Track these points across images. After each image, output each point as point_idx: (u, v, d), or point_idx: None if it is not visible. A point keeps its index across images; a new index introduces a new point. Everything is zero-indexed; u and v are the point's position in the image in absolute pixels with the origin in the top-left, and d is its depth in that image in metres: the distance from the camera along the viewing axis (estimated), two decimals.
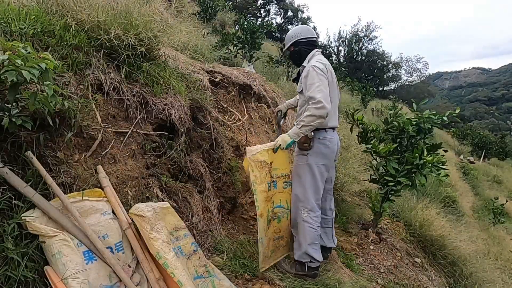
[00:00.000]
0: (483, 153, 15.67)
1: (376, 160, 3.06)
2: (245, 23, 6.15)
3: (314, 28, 28.97)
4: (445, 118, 2.77)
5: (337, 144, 2.33)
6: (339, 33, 29.67)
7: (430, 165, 2.68)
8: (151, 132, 2.19)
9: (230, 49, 6.02)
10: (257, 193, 2.13)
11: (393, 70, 29.28)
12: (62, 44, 1.87)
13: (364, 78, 26.05)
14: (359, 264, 2.60)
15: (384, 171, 2.95)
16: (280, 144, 2.20)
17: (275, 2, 27.20)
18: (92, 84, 1.93)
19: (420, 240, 3.44)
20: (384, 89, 28.75)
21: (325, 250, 2.40)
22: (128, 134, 2.02)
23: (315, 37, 2.35)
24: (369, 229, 3.15)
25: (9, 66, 1.24)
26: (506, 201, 8.06)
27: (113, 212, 1.69)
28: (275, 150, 2.24)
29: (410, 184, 2.79)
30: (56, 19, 1.98)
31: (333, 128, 2.29)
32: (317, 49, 2.31)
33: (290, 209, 2.34)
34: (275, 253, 2.26)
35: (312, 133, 2.20)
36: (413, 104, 3.10)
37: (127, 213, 1.71)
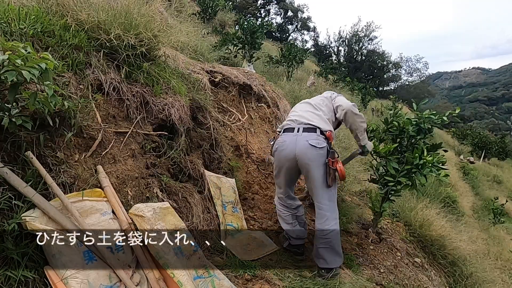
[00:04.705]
0: (483, 153, 15.63)
1: (376, 160, 3.06)
2: (245, 23, 6.14)
3: (314, 28, 29.04)
4: (445, 118, 2.77)
5: (287, 147, 2.28)
6: (339, 33, 29.66)
7: (430, 165, 2.67)
8: (151, 132, 2.19)
9: (230, 49, 6.02)
10: (217, 205, 2.49)
11: (393, 70, 29.35)
12: (62, 44, 1.87)
13: (364, 78, 26.05)
14: (359, 264, 2.60)
15: (384, 171, 2.95)
16: None
17: (275, 2, 27.21)
18: (92, 84, 1.93)
19: (420, 240, 3.43)
20: (384, 89, 28.78)
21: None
22: (128, 134, 2.02)
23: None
24: (369, 229, 3.14)
25: (9, 66, 1.24)
26: (506, 201, 8.06)
27: (113, 212, 1.69)
28: None
29: (410, 184, 2.78)
30: (56, 19, 1.98)
31: (287, 131, 2.37)
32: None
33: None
34: (251, 253, 2.35)
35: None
36: (413, 104, 3.09)
37: (127, 213, 1.71)
